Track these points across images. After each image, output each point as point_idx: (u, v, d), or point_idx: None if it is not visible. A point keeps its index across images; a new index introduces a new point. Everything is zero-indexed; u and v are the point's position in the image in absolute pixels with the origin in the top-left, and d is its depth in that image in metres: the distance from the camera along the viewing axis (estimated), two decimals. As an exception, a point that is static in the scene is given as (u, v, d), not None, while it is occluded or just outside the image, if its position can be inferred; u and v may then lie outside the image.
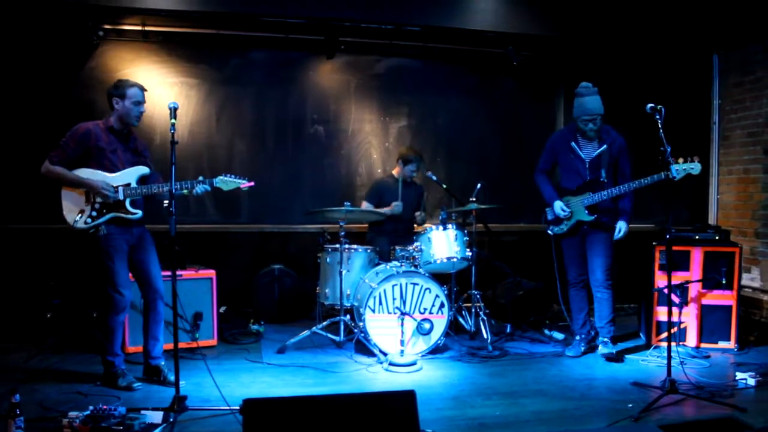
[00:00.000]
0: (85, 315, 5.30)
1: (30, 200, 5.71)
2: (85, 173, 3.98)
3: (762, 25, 5.99)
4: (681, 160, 4.13)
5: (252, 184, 4.19)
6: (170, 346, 4.27)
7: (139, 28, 5.85)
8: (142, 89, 4.08)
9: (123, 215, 4.02)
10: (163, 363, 4.24)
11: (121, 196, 4.00)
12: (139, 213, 4.07)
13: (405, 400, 2.55)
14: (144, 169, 4.13)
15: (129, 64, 5.96)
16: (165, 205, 3.65)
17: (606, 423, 3.57)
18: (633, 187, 4.58)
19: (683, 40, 6.48)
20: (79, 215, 3.99)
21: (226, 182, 4.11)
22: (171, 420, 3.38)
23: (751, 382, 4.23)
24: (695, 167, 4.17)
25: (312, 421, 2.47)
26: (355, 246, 5.37)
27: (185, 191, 4.00)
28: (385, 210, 5.76)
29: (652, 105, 4.04)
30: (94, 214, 3.98)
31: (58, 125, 5.64)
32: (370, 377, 4.42)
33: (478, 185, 5.53)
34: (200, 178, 4.08)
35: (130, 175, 4.07)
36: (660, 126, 3.99)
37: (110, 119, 4.07)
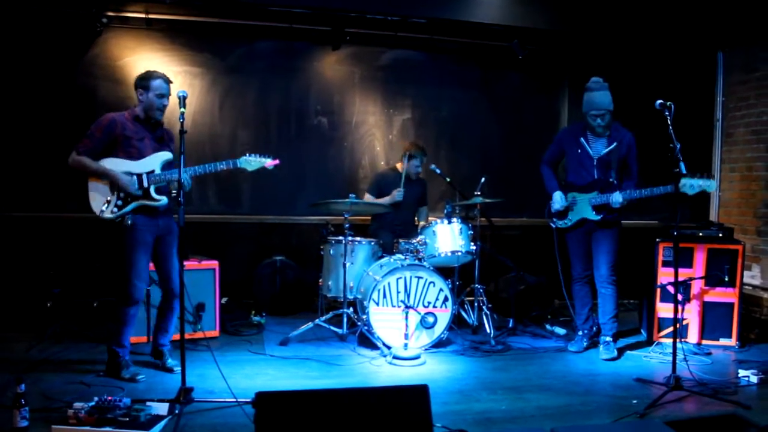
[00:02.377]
0: (85, 304, 5.28)
1: (31, 188, 5.68)
2: (109, 163, 3.96)
3: (767, 23, 5.98)
4: (699, 175, 4.12)
5: (277, 162, 4.14)
6: (177, 336, 4.29)
7: (142, 15, 5.80)
8: (168, 81, 4.06)
9: (148, 203, 4.00)
10: (167, 348, 4.29)
11: (145, 184, 3.98)
12: (164, 200, 4.04)
13: (418, 394, 2.54)
14: (167, 155, 4.09)
15: (132, 51, 5.90)
16: (173, 195, 3.62)
17: (611, 419, 3.57)
18: (644, 194, 4.53)
19: (688, 37, 6.47)
20: (105, 205, 3.96)
21: (250, 162, 4.08)
22: (177, 411, 3.36)
23: (754, 379, 4.25)
24: (711, 185, 4.17)
25: (324, 415, 2.46)
26: (358, 238, 5.36)
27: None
28: (386, 199, 5.74)
29: (662, 101, 4.02)
30: (119, 203, 3.96)
31: (59, 112, 5.67)
32: (375, 370, 4.41)
33: (482, 179, 5.51)
34: (213, 164, 4.05)
35: (154, 161, 4.04)
36: (669, 123, 3.97)
37: (136, 109, 4.06)
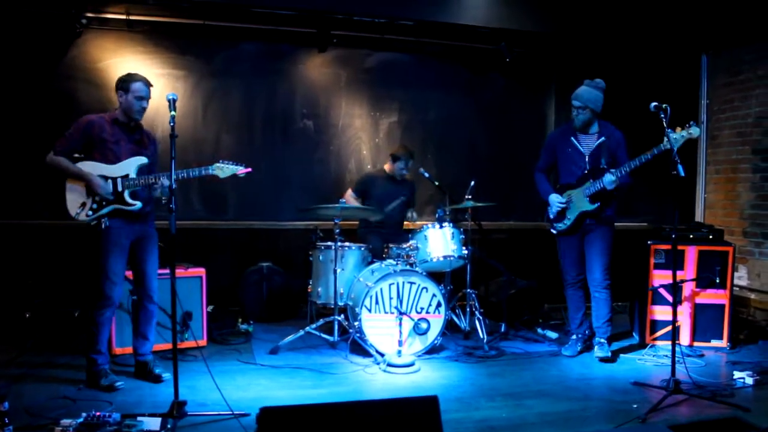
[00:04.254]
0: (66, 314, 5.09)
1: (8, 194, 5.47)
2: (86, 166, 3.93)
3: (752, 26, 6.03)
4: (678, 129, 4.11)
5: (249, 170, 4.11)
6: (168, 346, 4.19)
7: (123, 17, 5.64)
8: (148, 84, 4.05)
9: (122, 207, 3.97)
10: (151, 358, 4.20)
11: (119, 188, 3.94)
12: (138, 204, 4.00)
13: (428, 406, 2.45)
14: (142, 159, 4.05)
15: (112, 54, 5.73)
16: (164, 202, 3.51)
17: (614, 424, 3.52)
18: (633, 165, 4.45)
19: (673, 40, 6.50)
20: (80, 208, 3.94)
21: (223, 169, 4.05)
22: (170, 426, 3.23)
23: (749, 381, 4.25)
24: (693, 131, 4.11)
25: (332, 430, 2.36)
26: (348, 244, 5.25)
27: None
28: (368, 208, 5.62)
29: (657, 104, 4.00)
30: (94, 206, 3.94)
31: (36, 116, 5.48)
32: (369, 378, 4.32)
33: (472, 183, 5.45)
34: (187, 171, 4.00)
35: (129, 165, 4.00)
36: (666, 125, 3.95)
37: (116, 112, 4.05)
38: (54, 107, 5.52)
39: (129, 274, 4.29)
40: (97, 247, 3.95)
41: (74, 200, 3.93)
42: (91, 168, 3.92)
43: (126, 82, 3.99)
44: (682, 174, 3.81)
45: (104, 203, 3.93)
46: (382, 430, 2.40)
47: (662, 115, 3.96)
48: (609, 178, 4.55)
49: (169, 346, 4.46)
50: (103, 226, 3.90)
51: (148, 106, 4.06)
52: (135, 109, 3.98)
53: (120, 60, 5.71)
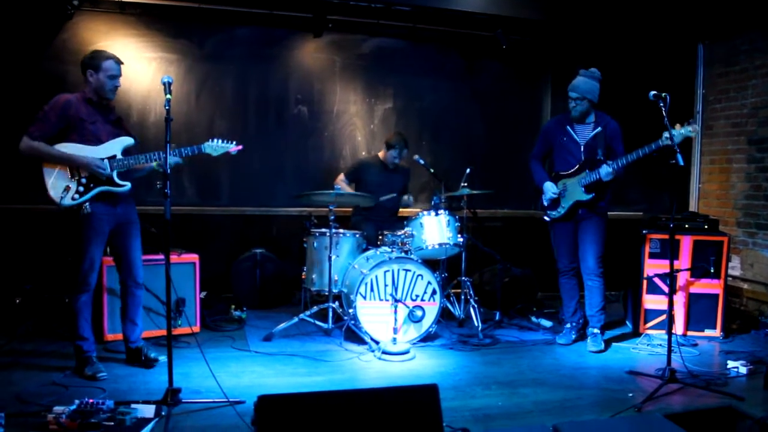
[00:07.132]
0: (57, 300, 5.03)
1: (-2, 179, 5.40)
2: (70, 149, 3.76)
3: (748, 16, 6.00)
4: (678, 125, 4.10)
5: (241, 147, 4.07)
6: (161, 332, 4.13)
7: (115, -2, 5.55)
8: (119, 62, 3.90)
9: (112, 189, 3.85)
10: (143, 344, 4.15)
11: (108, 170, 3.82)
12: (128, 185, 3.90)
13: (427, 394, 2.43)
14: (128, 140, 3.95)
15: (104, 36, 5.63)
16: (159, 186, 3.45)
17: (610, 413, 3.52)
18: (631, 159, 4.44)
19: (669, 29, 6.47)
20: (65, 192, 3.76)
21: (215, 147, 3.97)
22: (164, 414, 3.20)
23: (743, 370, 4.26)
24: (691, 129, 4.13)
25: (331, 418, 2.34)
26: (342, 231, 5.21)
27: (179, 159, 3.86)
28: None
29: (656, 92, 3.97)
30: (81, 189, 3.78)
31: (26, 100, 5.36)
32: (364, 366, 4.30)
33: (468, 170, 5.42)
34: (178, 150, 3.90)
35: (115, 146, 3.88)
36: (665, 114, 3.92)
37: (86, 91, 3.88)
38: (44, 90, 5.32)
39: (110, 260, 4.23)
40: (78, 233, 3.82)
41: (56, 184, 3.75)
42: (74, 150, 3.76)
43: (95, 59, 3.83)
44: (681, 163, 3.79)
45: (92, 185, 3.79)
46: (381, 419, 2.38)
47: (661, 104, 3.93)
48: (606, 170, 4.55)
49: (162, 332, 4.44)
50: (85, 211, 3.77)
51: (120, 84, 3.92)
52: (107, 88, 3.84)
53: (112, 43, 5.61)
